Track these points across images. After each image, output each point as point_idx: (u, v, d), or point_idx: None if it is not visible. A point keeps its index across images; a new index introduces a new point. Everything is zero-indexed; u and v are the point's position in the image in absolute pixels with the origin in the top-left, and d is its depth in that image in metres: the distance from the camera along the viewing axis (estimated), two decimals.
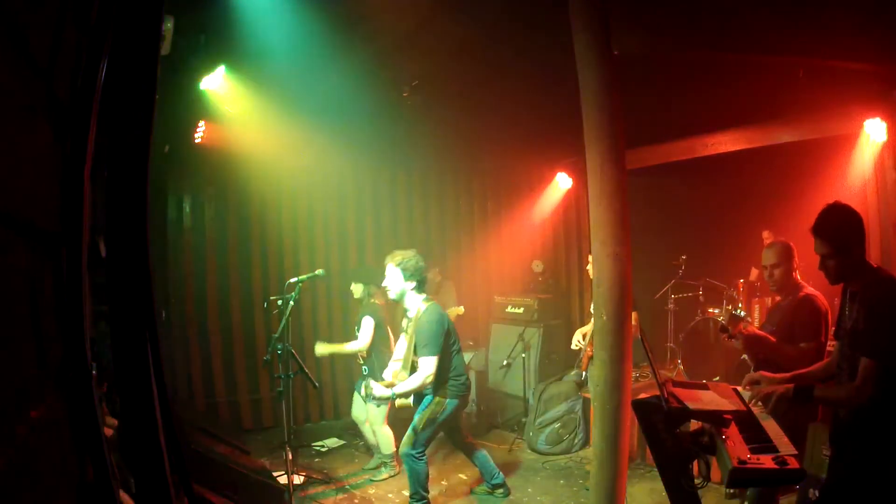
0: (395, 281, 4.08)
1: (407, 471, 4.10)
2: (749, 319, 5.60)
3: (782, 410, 2.53)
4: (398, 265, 4.07)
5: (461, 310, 6.22)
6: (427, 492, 4.12)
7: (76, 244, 0.96)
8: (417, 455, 4.03)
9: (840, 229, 2.49)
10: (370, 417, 4.98)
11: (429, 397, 4.12)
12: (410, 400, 4.08)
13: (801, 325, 3.23)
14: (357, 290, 5.11)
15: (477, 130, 6.24)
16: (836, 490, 2.52)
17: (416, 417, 4.11)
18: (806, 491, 3.62)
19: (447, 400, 4.08)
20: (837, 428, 2.55)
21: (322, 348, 4.95)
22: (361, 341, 4.82)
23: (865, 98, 4.60)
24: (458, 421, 4.41)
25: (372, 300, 5.01)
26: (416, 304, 4.11)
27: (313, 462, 5.46)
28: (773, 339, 3.28)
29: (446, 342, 4.05)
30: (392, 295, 4.14)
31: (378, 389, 3.95)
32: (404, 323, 4.29)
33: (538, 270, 7.53)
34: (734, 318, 3.44)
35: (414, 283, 4.09)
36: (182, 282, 5.94)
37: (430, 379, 3.93)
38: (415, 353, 4.07)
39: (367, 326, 4.84)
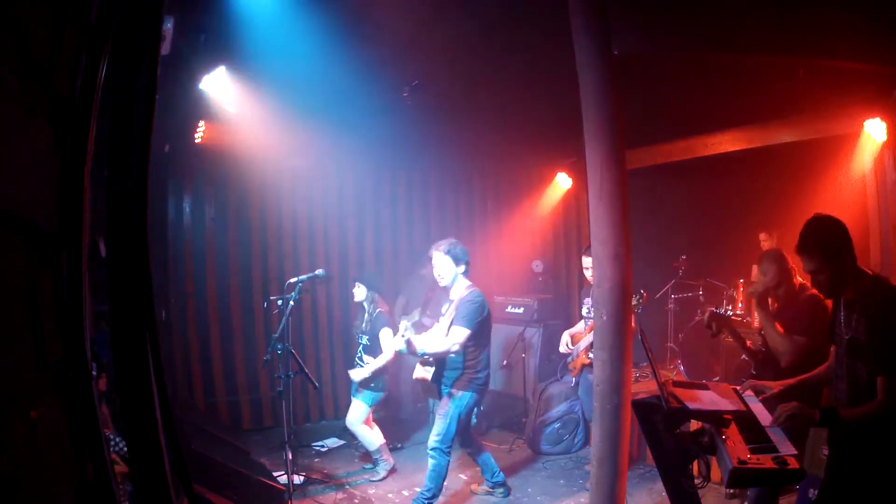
0: (447, 267, 4.23)
1: (432, 465, 4.15)
2: (732, 313, 5.62)
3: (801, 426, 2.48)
4: (447, 253, 4.22)
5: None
6: (440, 490, 4.21)
7: (76, 244, 0.96)
8: (446, 449, 4.16)
9: (824, 242, 2.42)
10: (354, 413, 4.96)
11: (447, 390, 4.20)
12: (429, 374, 4.18)
13: (797, 318, 3.20)
14: (360, 292, 5.06)
15: (477, 130, 6.23)
16: (835, 490, 2.51)
17: (443, 413, 4.19)
18: (806, 491, 3.62)
19: (467, 393, 4.17)
20: (837, 429, 2.53)
21: (359, 373, 4.89)
22: (389, 353, 4.83)
23: (865, 98, 4.59)
24: (470, 417, 4.49)
25: (378, 309, 4.99)
26: (461, 288, 4.24)
27: (313, 462, 5.46)
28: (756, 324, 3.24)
29: (482, 329, 4.20)
30: (445, 281, 4.26)
31: (412, 338, 4.09)
32: (444, 307, 4.40)
33: (538, 270, 7.53)
34: (717, 316, 3.45)
35: (463, 268, 4.25)
36: (182, 282, 5.94)
37: (456, 348, 4.07)
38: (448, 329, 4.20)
39: (388, 337, 4.84)
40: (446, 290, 4.33)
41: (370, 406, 4.90)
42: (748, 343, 3.64)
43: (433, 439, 4.17)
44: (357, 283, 5.10)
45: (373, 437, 4.99)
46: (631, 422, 3.29)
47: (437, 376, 4.26)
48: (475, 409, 4.63)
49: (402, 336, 4.04)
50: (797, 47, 3.90)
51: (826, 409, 2.42)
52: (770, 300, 3.40)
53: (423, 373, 4.31)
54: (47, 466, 0.87)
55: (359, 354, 5.03)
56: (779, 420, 2.47)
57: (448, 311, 4.27)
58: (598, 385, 3.32)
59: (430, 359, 4.24)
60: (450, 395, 4.18)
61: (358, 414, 4.94)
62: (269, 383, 6.04)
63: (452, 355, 4.17)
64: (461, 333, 4.07)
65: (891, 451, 2.29)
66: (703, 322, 3.54)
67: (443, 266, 4.23)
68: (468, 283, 4.29)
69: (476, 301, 4.15)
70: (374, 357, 4.88)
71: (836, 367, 2.54)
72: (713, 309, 3.66)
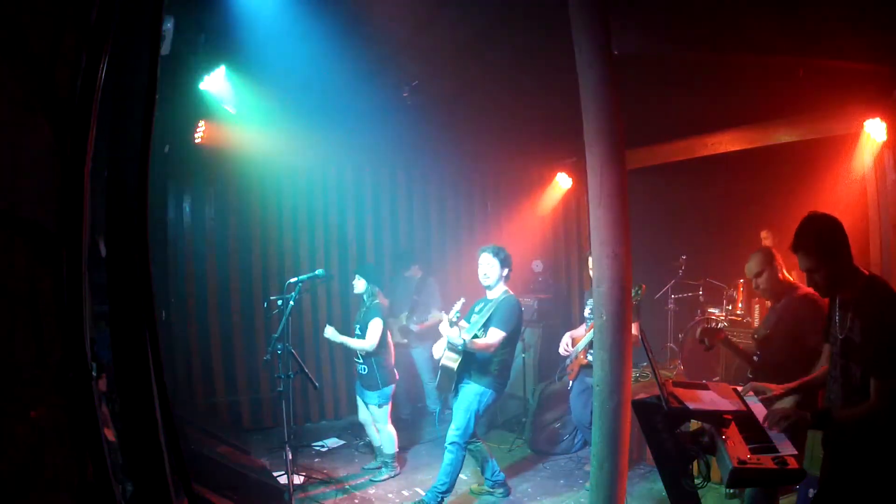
0: (494, 268, 4.42)
1: (449, 459, 4.20)
2: (724, 324, 5.63)
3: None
4: (496, 255, 4.43)
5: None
6: (454, 485, 4.27)
7: (76, 244, 0.96)
8: (465, 444, 4.25)
9: (820, 239, 2.39)
10: (375, 416, 4.97)
11: (469, 384, 4.26)
12: (455, 364, 4.26)
13: (811, 324, 3.08)
14: (360, 285, 5.04)
15: (477, 131, 6.23)
16: (830, 493, 2.50)
17: (464, 408, 4.24)
18: (806, 491, 3.62)
19: (489, 391, 4.27)
20: (832, 430, 2.51)
21: (332, 333, 4.91)
22: (370, 342, 4.79)
23: (865, 98, 4.58)
24: (485, 414, 4.55)
25: (376, 301, 4.98)
26: (500, 290, 4.43)
27: (313, 462, 5.46)
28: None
29: (515, 333, 4.38)
30: (489, 281, 4.43)
31: (456, 330, 4.16)
32: (478, 307, 4.55)
33: (538, 270, 7.53)
34: (709, 331, 3.50)
35: (506, 272, 4.47)
36: (182, 282, 5.94)
37: (493, 349, 4.22)
38: (482, 326, 4.32)
39: (375, 327, 4.82)
40: (488, 290, 4.47)
41: (379, 404, 4.89)
42: (740, 346, 3.67)
43: (452, 433, 4.22)
44: (357, 276, 5.10)
45: (393, 441, 4.99)
46: (631, 422, 3.30)
47: (461, 370, 4.28)
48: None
49: (455, 311, 4.10)
50: (797, 47, 3.91)
51: (819, 411, 2.40)
52: (770, 302, 3.42)
53: (451, 361, 4.31)
54: (47, 466, 0.87)
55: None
56: (769, 422, 2.46)
57: (484, 311, 4.39)
58: (598, 385, 3.32)
59: (459, 348, 4.25)
60: (472, 390, 4.23)
61: (379, 414, 4.94)
62: (269, 383, 6.04)
63: (483, 352, 4.23)
64: (498, 335, 4.21)
65: (884, 453, 2.28)
66: (696, 338, 3.57)
67: (491, 267, 4.41)
68: (506, 287, 4.46)
69: (515, 306, 4.34)
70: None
71: (831, 368, 2.51)
72: (705, 323, 3.70)
